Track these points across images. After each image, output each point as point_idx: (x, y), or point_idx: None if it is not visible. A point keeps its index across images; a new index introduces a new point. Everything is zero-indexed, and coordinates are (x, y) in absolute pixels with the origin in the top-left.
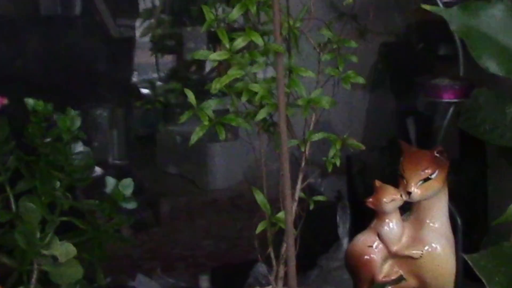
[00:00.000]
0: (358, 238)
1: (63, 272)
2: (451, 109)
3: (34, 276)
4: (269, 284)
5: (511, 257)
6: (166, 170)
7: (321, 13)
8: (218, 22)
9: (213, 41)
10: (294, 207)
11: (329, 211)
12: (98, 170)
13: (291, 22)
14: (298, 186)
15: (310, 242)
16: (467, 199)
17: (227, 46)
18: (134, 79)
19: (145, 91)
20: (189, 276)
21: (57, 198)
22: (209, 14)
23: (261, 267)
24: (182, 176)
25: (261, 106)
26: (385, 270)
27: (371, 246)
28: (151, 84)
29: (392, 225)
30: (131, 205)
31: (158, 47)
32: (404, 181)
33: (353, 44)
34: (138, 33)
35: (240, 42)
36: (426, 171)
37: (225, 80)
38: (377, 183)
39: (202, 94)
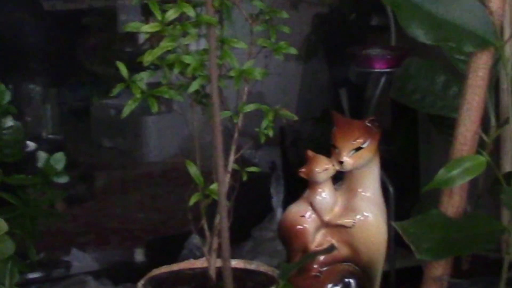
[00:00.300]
0: (291, 208)
1: None
2: (383, 79)
3: None
4: (203, 255)
5: (439, 224)
6: (101, 143)
7: None
8: None
9: (146, 13)
10: (227, 178)
11: (263, 182)
12: (31, 145)
13: None
14: (231, 158)
15: (245, 213)
16: (399, 168)
17: (159, 18)
18: (67, 52)
19: (78, 64)
20: (124, 250)
21: None
22: None
23: (195, 239)
24: (116, 149)
25: (194, 78)
26: (318, 240)
27: (304, 216)
28: (84, 57)
29: (325, 195)
30: (63, 179)
31: (91, 20)
32: (336, 151)
33: (285, 14)
34: (70, 6)
35: (171, 14)
36: (358, 140)
37: (157, 52)
38: (310, 153)
39: (136, 67)
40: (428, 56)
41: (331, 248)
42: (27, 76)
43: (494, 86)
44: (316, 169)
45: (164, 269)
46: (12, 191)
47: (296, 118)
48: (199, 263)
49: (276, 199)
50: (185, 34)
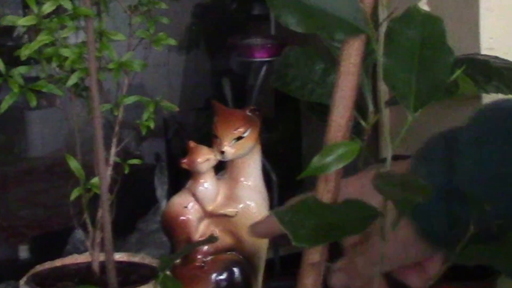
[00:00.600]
0: (174, 199)
1: None
2: (264, 68)
3: None
4: (87, 250)
5: (315, 210)
6: None
7: None
8: None
9: (26, 7)
10: (108, 171)
11: (147, 174)
12: None
13: None
14: (112, 151)
15: (129, 206)
16: (282, 156)
17: (35, 10)
18: None
19: None
20: (7, 247)
21: None
22: None
23: (79, 234)
24: None
25: (73, 71)
26: (201, 230)
27: (187, 207)
28: None
29: (207, 185)
30: None
31: None
32: (218, 140)
33: (164, 5)
34: None
35: (48, 7)
36: (239, 130)
37: (34, 46)
38: (191, 143)
39: (18, 62)
40: (308, 45)
41: (212, 238)
42: None
43: (371, 72)
44: (198, 160)
45: (48, 265)
46: None
47: (177, 109)
48: (83, 258)
49: (161, 191)
50: (63, 27)
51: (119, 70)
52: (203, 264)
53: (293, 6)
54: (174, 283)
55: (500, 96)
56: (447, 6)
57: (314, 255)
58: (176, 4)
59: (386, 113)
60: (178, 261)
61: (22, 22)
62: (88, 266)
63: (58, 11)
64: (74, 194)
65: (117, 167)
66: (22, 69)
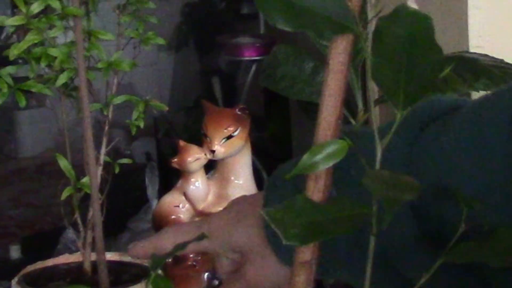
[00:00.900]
0: (165, 198)
1: None
2: (253, 67)
3: None
4: (78, 250)
5: (304, 209)
6: None
7: None
8: None
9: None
10: (99, 171)
11: (138, 173)
12: None
13: None
14: (102, 150)
15: (120, 205)
16: (273, 155)
17: (24, 10)
18: None
19: None
20: None
21: None
22: None
23: (70, 233)
24: None
25: (62, 71)
26: None
27: (178, 206)
28: None
29: (198, 184)
30: None
31: None
32: (208, 139)
33: (152, 5)
34: None
35: (36, 7)
36: (229, 128)
37: (22, 45)
38: (181, 143)
39: (6, 62)
40: (297, 43)
41: (202, 237)
42: None
43: (360, 70)
44: (188, 159)
45: (39, 265)
46: None
47: (166, 108)
48: (75, 258)
49: (151, 190)
50: (51, 26)
51: (108, 69)
52: (194, 263)
53: (281, 4)
54: (165, 283)
55: None
56: (435, 4)
57: (305, 253)
58: (165, 4)
59: (375, 111)
60: (169, 260)
61: (11, 22)
62: (79, 265)
63: (47, 11)
64: (64, 194)
65: (107, 166)
66: (11, 69)
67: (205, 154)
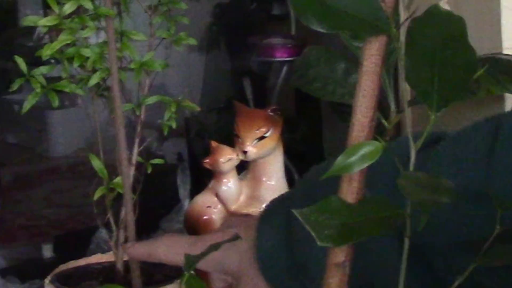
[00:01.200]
0: (197, 199)
1: None
2: (285, 68)
3: None
4: (111, 249)
5: (339, 210)
6: (5, 139)
7: None
8: None
9: (46, 7)
10: (131, 171)
11: (170, 174)
12: None
13: None
14: (135, 150)
15: (152, 205)
16: (304, 155)
17: (56, 11)
18: None
19: None
20: (31, 246)
21: None
22: None
23: (102, 233)
24: (21, 145)
25: (94, 71)
26: None
27: (210, 207)
28: None
29: (230, 185)
30: None
31: None
32: (240, 140)
33: (183, 5)
34: None
35: (69, 7)
36: (261, 129)
37: (55, 46)
38: (213, 143)
39: (40, 62)
40: (329, 44)
41: (236, 237)
42: None
43: (393, 72)
44: (221, 159)
45: (72, 264)
46: None
47: (198, 108)
48: (107, 257)
49: (183, 190)
50: (83, 27)
51: (140, 70)
52: None
53: (315, 5)
54: (198, 283)
55: None
56: (468, 6)
57: (339, 255)
58: (196, 4)
59: (408, 113)
60: None
61: (43, 22)
62: (112, 265)
63: (79, 11)
64: (97, 194)
65: (140, 166)
66: (44, 69)
67: (237, 155)
